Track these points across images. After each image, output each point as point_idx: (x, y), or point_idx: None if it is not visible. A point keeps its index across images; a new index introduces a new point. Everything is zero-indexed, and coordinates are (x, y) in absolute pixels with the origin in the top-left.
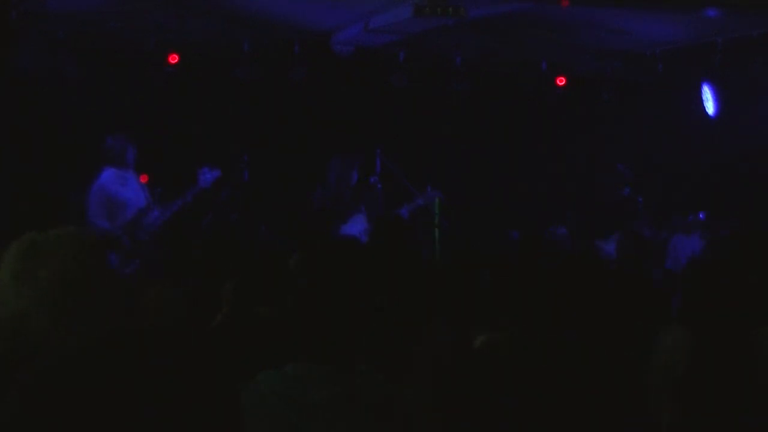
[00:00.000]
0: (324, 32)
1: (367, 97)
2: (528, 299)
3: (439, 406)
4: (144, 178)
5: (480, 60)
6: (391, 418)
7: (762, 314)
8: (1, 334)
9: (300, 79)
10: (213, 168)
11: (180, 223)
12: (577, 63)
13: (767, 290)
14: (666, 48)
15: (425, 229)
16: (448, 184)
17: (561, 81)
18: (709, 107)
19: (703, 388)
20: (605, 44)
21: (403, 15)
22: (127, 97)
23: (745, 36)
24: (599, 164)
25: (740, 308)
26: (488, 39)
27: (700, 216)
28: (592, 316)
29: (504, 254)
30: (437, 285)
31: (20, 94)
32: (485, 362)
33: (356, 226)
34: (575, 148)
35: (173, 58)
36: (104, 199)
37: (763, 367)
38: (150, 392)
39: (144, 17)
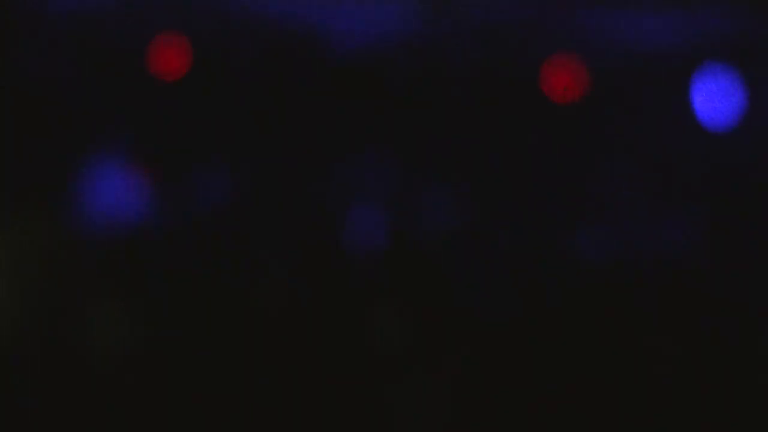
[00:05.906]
0: (324, 33)
1: (367, 99)
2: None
3: None
4: (143, 179)
5: (479, 64)
6: None
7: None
8: None
9: (298, 80)
10: (214, 171)
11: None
12: (579, 64)
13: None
14: (665, 48)
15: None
16: (450, 185)
17: (561, 82)
18: (707, 110)
19: None
20: (606, 45)
21: (404, 17)
22: (126, 97)
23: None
24: (599, 165)
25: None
26: (488, 43)
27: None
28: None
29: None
30: None
31: (20, 94)
32: None
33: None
34: (574, 149)
35: (174, 58)
36: (98, 199)
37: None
38: None
39: (144, 17)
